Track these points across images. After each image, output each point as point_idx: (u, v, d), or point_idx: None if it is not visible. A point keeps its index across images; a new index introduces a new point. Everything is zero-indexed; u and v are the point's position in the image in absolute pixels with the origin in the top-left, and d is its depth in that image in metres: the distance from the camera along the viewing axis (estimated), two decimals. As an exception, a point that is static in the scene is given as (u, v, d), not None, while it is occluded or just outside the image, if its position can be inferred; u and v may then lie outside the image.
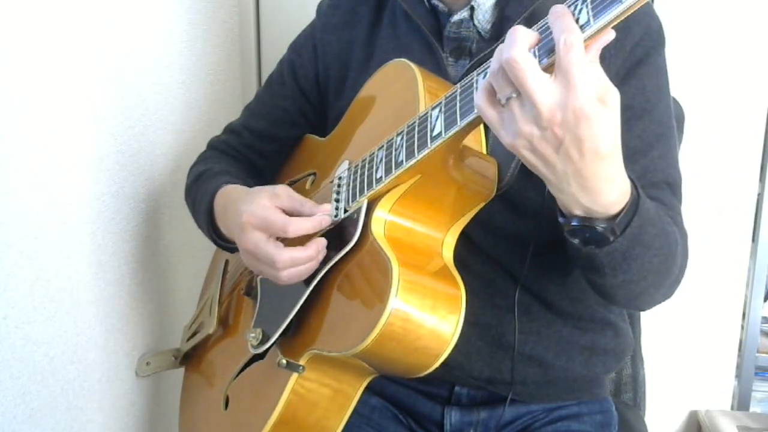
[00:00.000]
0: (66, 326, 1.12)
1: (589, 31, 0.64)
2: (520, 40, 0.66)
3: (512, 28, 0.68)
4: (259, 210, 0.91)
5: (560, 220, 0.77)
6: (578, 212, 0.74)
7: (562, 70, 0.64)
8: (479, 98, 0.71)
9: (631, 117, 0.92)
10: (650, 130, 0.94)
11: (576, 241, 0.77)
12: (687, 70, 1.58)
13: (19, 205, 1.00)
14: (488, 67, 0.74)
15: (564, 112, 0.65)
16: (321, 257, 0.91)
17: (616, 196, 0.73)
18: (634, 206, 0.75)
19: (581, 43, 0.64)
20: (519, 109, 0.67)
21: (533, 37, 0.67)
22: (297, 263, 0.89)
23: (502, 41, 0.68)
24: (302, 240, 0.90)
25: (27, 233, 1.02)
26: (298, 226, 0.89)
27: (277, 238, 0.91)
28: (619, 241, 0.76)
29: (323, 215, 0.91)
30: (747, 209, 1.68)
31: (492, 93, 0.70)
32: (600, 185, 0.71)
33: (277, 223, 0.89)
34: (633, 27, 0.92)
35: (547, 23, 0.67)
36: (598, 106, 0.65)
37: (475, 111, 0.73)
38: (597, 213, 0.74)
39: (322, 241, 0.90)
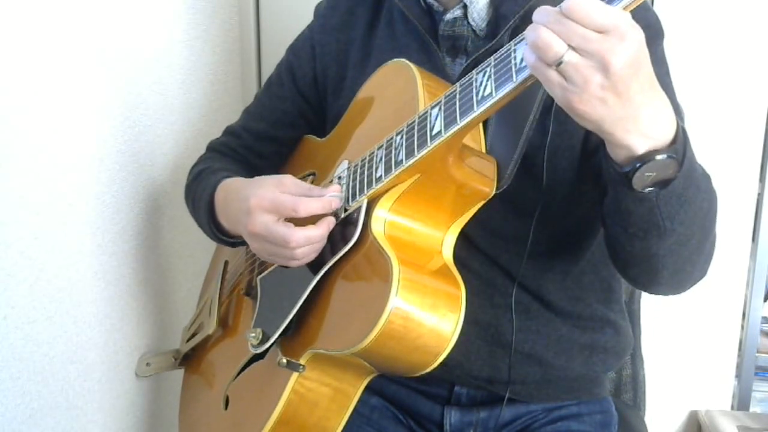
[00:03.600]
0: (66, 326, 1.12)
1: None
2: None
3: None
4: (267, 193, 0.91)
5: (625, 170, 0.74)
6: (642, 148, 0.71)
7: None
8: (532, 59, 0.67)
9: None
10: None
11: (640, 187, 0.74)
12: (687, 69, 1.58)
13: (19, 205, 1.00)
14: (487, 66, 0.74)
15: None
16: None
17: (668, 114, 0.72)
18: (683, 129, 0.74)
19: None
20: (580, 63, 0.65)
21: None
22: (311, 241, 0.89)
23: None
24: (310, 222, 0.90)
25: (27, 233, 1.02)
26: (308, 206, 0.89)
27: (286, 220, 0.90)
28: (679, 178, 0.74)
29: (332, 196, 0.91)
30: (747, 209, 1.68)
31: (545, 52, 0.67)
32: (653, 111, 0.70)
33: (286, 203, 0.89)
34: None
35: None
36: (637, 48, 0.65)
37: (475, 110, 0.73)
38: (659, 139, 0.71)
39: (332, 219, 0.90)
